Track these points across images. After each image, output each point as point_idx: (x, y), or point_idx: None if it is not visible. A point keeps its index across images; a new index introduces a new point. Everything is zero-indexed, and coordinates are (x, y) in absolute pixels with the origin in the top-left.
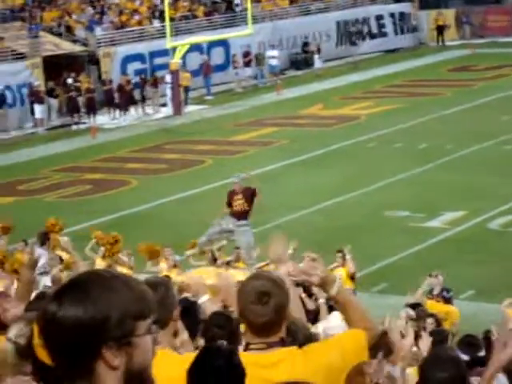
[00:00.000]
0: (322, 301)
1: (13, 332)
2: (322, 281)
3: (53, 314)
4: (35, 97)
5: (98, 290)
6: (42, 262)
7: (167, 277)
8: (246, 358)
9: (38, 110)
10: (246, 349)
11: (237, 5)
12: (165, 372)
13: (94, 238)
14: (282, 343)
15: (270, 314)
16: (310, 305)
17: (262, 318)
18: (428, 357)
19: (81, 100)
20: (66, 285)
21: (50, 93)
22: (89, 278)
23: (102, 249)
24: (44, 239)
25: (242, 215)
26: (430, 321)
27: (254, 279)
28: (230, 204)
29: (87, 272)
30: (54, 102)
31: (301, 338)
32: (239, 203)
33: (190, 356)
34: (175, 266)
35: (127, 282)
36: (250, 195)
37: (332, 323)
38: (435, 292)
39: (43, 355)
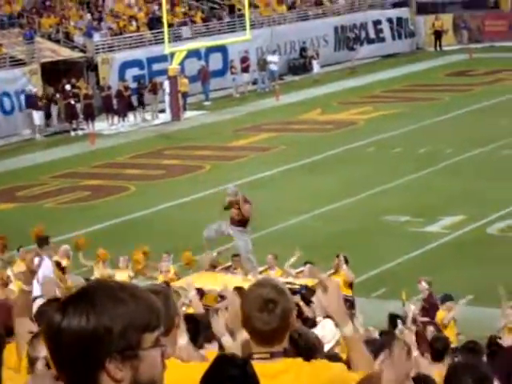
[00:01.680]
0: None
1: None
2: (337, 310)
3: (57, 324)
4: (32, 103)
5: (103, 301)
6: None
7: (166, 283)
8: None
9: (36, 116)
10: (249, 358)
11: (239, 9)
12: (172, 381)
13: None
14: (285, 354)
15: (276, 322)
16: (308, 312)
17: (268, 326)
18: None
19: (79, 106)
20: (72, 295)
21: (47, 99)
22: (95, 289)
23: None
24: (42, 244)
25: (235, 223)
26: (430, 329)
27: (259, 287)
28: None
29: (94, 282)
30: (54, 109)
31: (302, 345)
32: (233, 212)
33: (197, 365)
34: (170, 271)
35: (135, 294)
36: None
37: (326, 329)
38: (423, 297)
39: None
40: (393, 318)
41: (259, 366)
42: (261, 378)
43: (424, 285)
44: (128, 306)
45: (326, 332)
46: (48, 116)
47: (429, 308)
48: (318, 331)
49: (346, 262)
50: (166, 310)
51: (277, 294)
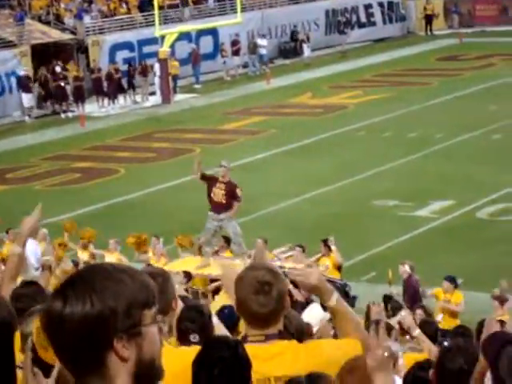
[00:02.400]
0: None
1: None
2: (317, 288)
3: (59, 312)
4: (23, 85)
5: (103, 283)
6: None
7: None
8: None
9: (26, 98)
10: (245, 341)
11: None
12: (164, 366)
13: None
14: (280, 335)
15: (272, 304)
16: (298, 296)
17: (264, 308)
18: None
19: (69, 88)
20: (68, 280)
21: (40, 81)
22: (92, 272)
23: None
24: None
25: (220, 208)
26: (419, 312)
27: (253, 270)
28: (209, 192)
29: (89, 266)
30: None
31: (292, 329)
32: (218, 193)
33: (188, 350)
34: (162, 254)
35: (130, 273)
36: (231, 191)
37: (313, 314)
38: (403, 279)
39: (44, 354)
40: (387, 300)
41: (253, 348)
42: (255, 361)
43: (406, 268)
44: (127, 284)
45: (313, 316)
46: (45, 98)
47: (406, 290)
48: (305, 315)
49: (328, 246)
50: (164, 293)
51: (272, 276)
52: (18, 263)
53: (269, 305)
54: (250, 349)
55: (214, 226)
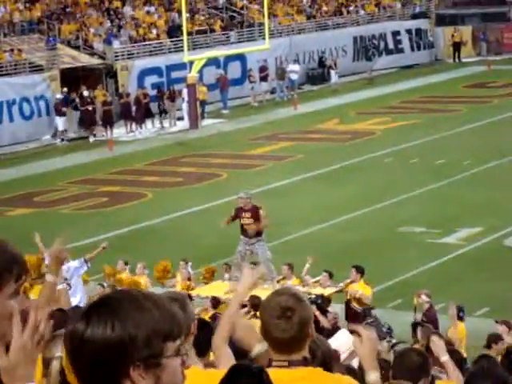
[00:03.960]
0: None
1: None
2: (364, 358)
3: (80, 333)
4: (57, 109)
5: (127, 310)
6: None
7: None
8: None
9: (61, 121)
10: (268, 365)
11: (253, 18)
12: None
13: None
14: (305, 362)
15: (294, 330)
16: (324, 322)
17: (286, 334)
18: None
19: (97, 112)
20: (94, 303)
21: (71, 104)
22: (118, 297)
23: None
24: None
25: (252, 234)
26: None
27: (277, 295)
28: (240, 222)
29: (117, 291)
30: (76, 114)
31: (320, 354)
32: (247, 222)
33: (214, 373)
34: (189, 279)
35: (157, 303)
36: (256, 215)
37: (340, 340)
38: (423, 310)
39: (72, 379)
40: (416, 326)
41: (276, 373)
42: None
43: (424, 298)
44: (152, 314)
45: (341, 343)
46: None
47: (427, 321)
48: (332, 342)
49: (362, 273)
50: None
51: (295, 302)
52: (50, 292)
53: (290, 330)
54: (274, 373)
55: (244, 250)
